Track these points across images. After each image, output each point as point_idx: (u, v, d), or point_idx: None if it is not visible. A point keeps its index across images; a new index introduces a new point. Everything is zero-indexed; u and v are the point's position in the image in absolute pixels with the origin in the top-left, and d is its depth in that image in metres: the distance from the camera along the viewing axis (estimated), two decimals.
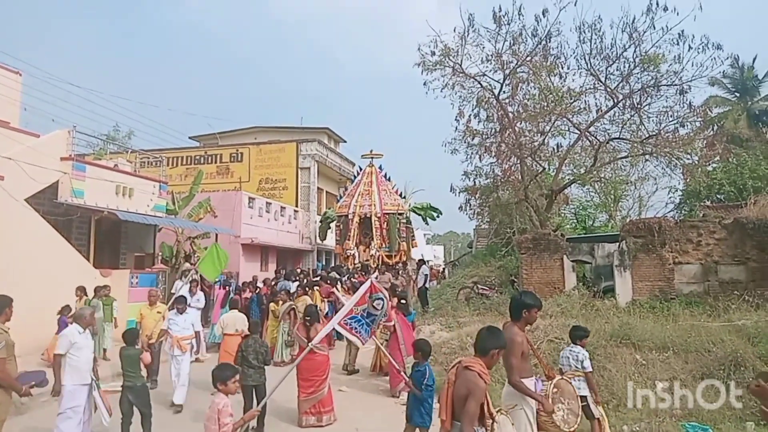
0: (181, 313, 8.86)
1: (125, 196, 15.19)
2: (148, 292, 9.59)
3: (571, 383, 5.27)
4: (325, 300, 13.14)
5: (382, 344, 10.12)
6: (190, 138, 33.07)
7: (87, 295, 11.03)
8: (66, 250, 12.68)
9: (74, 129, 14.59)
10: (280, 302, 11.61)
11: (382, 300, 6.21)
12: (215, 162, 28.59)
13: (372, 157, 19.00)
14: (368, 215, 17.33)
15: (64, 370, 6.00)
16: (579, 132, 17.03)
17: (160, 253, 17.66)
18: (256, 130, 31.69)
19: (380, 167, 18.93)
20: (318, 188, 29.01)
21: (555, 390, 4.95)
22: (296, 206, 27.13)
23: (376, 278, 14.24)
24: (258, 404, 7.18)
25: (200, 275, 11.56)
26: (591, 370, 6.07)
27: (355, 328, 5.97)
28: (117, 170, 15.74)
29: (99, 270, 13.30)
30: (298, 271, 18.89)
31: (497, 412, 3.90)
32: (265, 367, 7.32)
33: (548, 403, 4.72)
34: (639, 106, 15.91)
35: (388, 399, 8.88)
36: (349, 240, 17.71)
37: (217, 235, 18.60)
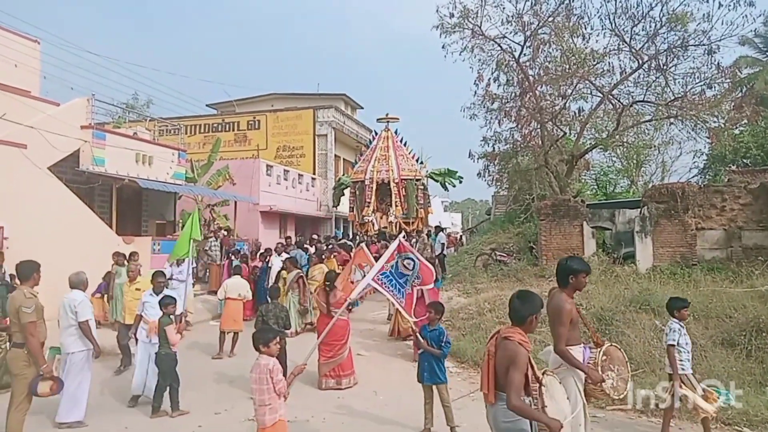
0: (158, 293, 7.25)
1: (145, 164, 15.31)
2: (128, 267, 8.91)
3: (620, 349, 5.02)
4: (341, 267, 12.97)
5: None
6: (207, 106, 33.10)
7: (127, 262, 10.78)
8: (89, 218, 12.88)
9: (93, 97, 14.66)
10: (289, 270, 11.21)
11: (413, 261, 6.08)
12: (233, 130, 28.60)
13: (388, 121, 18.57)
14: (386, 181, 17.13)
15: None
16: (602, 95, 16.62)
17: (181, 221, 17.89)
18: (273, 97, 31.52)
19: (396, 132, 18.56)
20: (335, 155, 28.93)
21: (604, 358, 4.73)
22: (314, 174, 27.15)
23: (384, 247, 14.20)
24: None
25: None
26: (673, 343, 5.76)
27: (386, 284, 5.89)
28: (136, 138, 15.83)
29: (122, 237, 13.52)
30: (315, 238, 18.94)
31: (543, 374, 3.82)
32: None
33: (596, 373, 4.53)
34: (665, 67, 15.43)
35: (407, 363, 8.99)
36: (367, 206, 17.61)
37: (236, 203, 18.78)
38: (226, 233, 16.84)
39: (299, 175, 25.13)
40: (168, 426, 6.35)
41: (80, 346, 6.21)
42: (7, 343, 7.31)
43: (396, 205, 16.73)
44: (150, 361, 6.88)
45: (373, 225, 17.08)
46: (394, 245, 5.95)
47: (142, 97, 34.95)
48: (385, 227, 17.07)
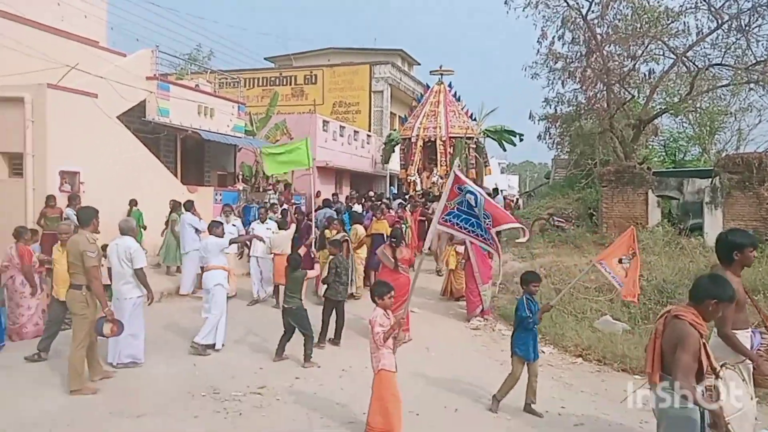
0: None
1: (207, 116, 15.68)
2: (57, 228, 7.67)
3: None
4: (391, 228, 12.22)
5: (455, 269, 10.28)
6: (265, 59, 33.27)
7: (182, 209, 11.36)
8: (157, 167, 13.39)
9: (157, 49, 14.99)
10: (334, 231, 10.25)
11: (475, 195, 4.76)
12: (290, 84, 28.74)
13: (441, 74, 17.88)
14: (433, 138, 16.66)
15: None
16: (675, 57, 15.62)
17: (241, 172, 18.35)
18: (330, 51, 31.34)
19: (450, 85, 17.86)
20: (391, 113, 28.71)
21: None
22: (369, 131, 27.08)
23: (429, 208, 13.80)
24: (338, 319, 7.61)
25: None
26: None
27: (459, 225, 4.79)
28: (198, 90, 16.17)
29: (186, 186, 14.02)
30: (357, 194, 18.35)
31: (722, 366, 3.57)
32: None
33: (765, 364, 4.02)
34: (747, 28, 14.29)
35: (459, 323, 9.06)
36: (412, 165, 17.30)
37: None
38: (284, 188, 17.13)
39: (355, 131, 25.12)
40: (234, 365, 6.66)
41: (137, 292, 6.42)
42: None
43: (441, 165, 16.39)
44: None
45: (416, 185, 16.87)
46: (450, 178, 5.03)
47: (204, 49, 35.35)
48: (430, 188, 16.77)
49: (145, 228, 11.19)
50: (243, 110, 17.85)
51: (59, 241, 6.82)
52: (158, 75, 14.72)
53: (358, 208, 14.35)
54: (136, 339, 6.51)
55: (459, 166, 5.10)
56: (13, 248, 7.33)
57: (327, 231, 10.29)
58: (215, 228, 7.71)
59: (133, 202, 11.48)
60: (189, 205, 11.00)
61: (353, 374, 6.59)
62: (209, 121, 15.72)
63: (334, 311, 7.62)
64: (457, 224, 4.79)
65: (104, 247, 7.39)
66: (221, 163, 18.29)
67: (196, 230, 10.29)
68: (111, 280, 6.78)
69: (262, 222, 10.30)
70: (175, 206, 11.54)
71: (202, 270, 8.25)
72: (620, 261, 5.61)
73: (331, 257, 7.88)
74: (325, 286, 8.75)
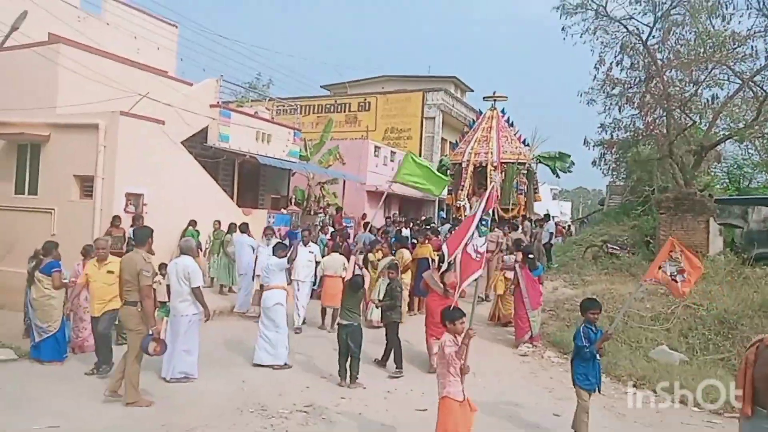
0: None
1: (264, 142, 16.26)
2: (95, 243, 7.32)
3: None
4: (438, 253, 11.60)
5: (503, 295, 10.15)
6: (321, 87, 34.28)
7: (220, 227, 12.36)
8: (215, 190, 13.98)
9: (221, 78, 15.79)
10: (380, 253, 10.42)
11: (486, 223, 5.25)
12: (344, 111, 29.44)
13: (495, 100, 17.78)
14: (484, 164, 16.52)
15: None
16: (741, 81, 15.01)
17: (294, 196, 18.88)
18: (384, 79, 31.96)
19: (503, 111, 17.72)
20: (442, 138, 28.86)
21: None
22: (420, 156, 27.28)
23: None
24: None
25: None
26: None
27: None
28: (257, 117, 16.84)
29: (242, 209, 14.54)
30: (404, 219, 18.29)
31: None
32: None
33: None
34: None
35: (507, 348, 8.94)
36: (461, 190, 17.16)
37: (345, 181, 19.42)
38: (336, 211, 17.46)
39: None
40: (283, 382, 6.82)
41: (193, 309, 6.64)
42: None
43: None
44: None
45: (465, 210, 16.70)
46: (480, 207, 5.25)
47: (264, 78, 36.92)
48: None
49: (200, 248, 11.56)
50: (298, 136, 18.43)
51: (96, 257, 6.89)
52: (221, 103, 15.46)
53: (405, 232, 14.28)
54: (190, 355, 6.72)
55: (494, 188, 5.27)
56: (80, 265, 7.68)
57: (371, 255, 10.36)
58: (280, 250, 7.98)
59: (192, 223, 12.01)
60: (244, 228, 11.44)
61: (398, 396, 6.62)
62: (266, 146, 16.30)
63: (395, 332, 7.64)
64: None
65: (163, 266, 7.78)
66: (275, 186, 18.88)
67: (252, 250, 10.67)
68: (169, 297, 7.08)
69: (305, 245, 10.11)
70: (230, 228, 12.02)
71: (261, 288, 8.43)
72: (660, 268, 5.39)
73: (389, 281, 7.97)
74: (378, 309, 8.91)
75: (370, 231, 12.14)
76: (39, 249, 7.61)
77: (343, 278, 9.38)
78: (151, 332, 5.83)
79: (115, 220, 10.63)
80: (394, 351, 7.54)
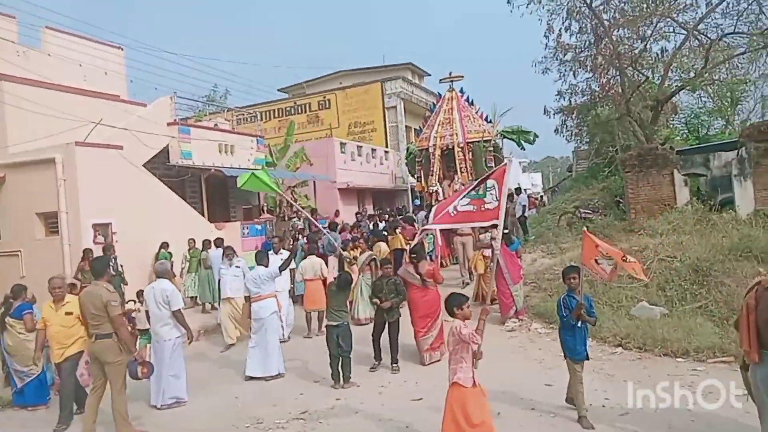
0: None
1: (227, 154, 16.09)
2: (49, 282, 6.28)
3: None
4: (410, 243, 11.26)
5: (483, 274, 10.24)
6: (278, 90, 33.96)
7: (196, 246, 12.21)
8: (184, 208, 13.79)
9: (175, 95, 15.55)
10: (359, 250, 10.53)
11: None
12: (305, 111, 29.23)
13: (452, 81, 17.77)
14: (450, 146, 16.58)
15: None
16: (686, 32, 15.36)
17: (265, 204, 18.72)
18: (340, 74, 31.80)
19: (461, 91, 17.78)
20: (406, 126, 28.87)
21: None
22: (386, 147, 27.29)
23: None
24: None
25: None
26: None
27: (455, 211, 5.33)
28: (217, 129, 16.65)
29: (214, 224, 14.38)
30: (370, 213, 18.17)
31: None
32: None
33: None
34: None
35: (493, 326, 8.98)
36: (432, 175, 17.19)
37: (315, 182, 19.33)
38: (311, 214, 17.38)
39: (372, 149, 25.36)
40: (276, 393, 6.79)
41: (176, 333, 6.54)
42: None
43: (462, 172, 16.27)
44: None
45: (438, 195, 16.69)
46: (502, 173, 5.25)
47: (220, 89, 36.43)
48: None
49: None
50: (262, 143, 18.26)
51: (53, 299, 6.20)
52: (178, 120, 15.22)
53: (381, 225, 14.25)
54: (178, 379, 6.63)
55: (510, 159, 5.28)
56: (34, 306, 7.29)
57: (346, 252, 10.16)
58: (263, 258, 7.96)
59: (164, 245, 11.84)
60: (219, 242, 11.32)
61: (392, 390, 6.65)
62: (230, 157, 16.13)
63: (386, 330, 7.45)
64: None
65: (140, 293, 7.67)
66: (245, 197, 18.70)
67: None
68: (149, 323, 6.99)
69: (276, 253, 9.69)
70: (204, 244, 11.90)
71: (246, 300, 8.30)
72: (597, 262, 5.35)
73: (388, 278, 7.55)
74: (365, 306, 8.90)
75: (340, 230, 12.11)
76: (8, 293, 7.41)
77: (324, 280, 9.50)
78: (135, 357, 5.72)
79: (86, 253, 10.40)
80: (392, 347, 7.41)
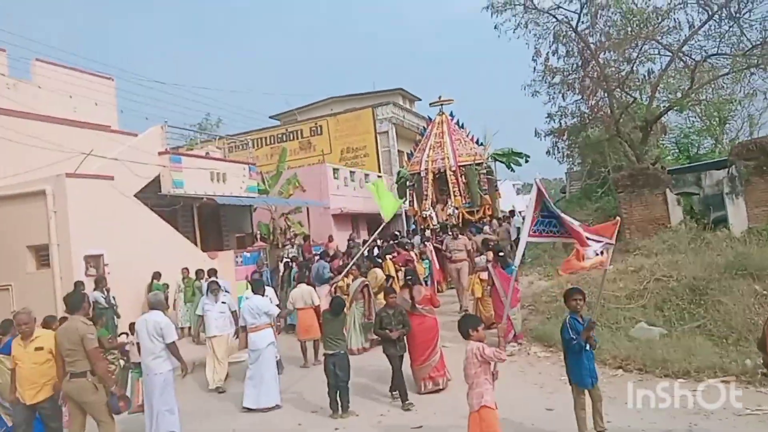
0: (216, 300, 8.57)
1: (220, 182, 16.04)
2: (14, 318, 5.97)
3: None
4: (402, 268, 10.88)
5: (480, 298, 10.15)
6: (270, 117, 34.16)
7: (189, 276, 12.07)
8: (176, 238, 13.68)
9: (166, 124, 15.55)
10: (351, 277, 10.10)
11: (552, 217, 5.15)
12: (297, 138, 29.35)
13: (441, 104, 17.95)
14: (442, 169, 16.63)
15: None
16: (671, 54, 15.70)
17: (258, 232, 18.61)
18: (331, 101, 32.07)
19: (451, 114, 17.93)
20: (399, 151, 29.02)
21: None
22: (379, 172, 27.37)
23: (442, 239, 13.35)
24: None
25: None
26: None
27: (545, 231, 5.11)
28: (209, 158, 16.62)
29: (206, 253, 14.25)
30: (359, 241, 17.64)
31: None
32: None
33: None
34: (738, 14, 14.36)
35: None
36: (425, 200, 17.16)
37: (308, 209, 19.29)
38: (303, 240, 17.28)
39: (365, 174, 25.41)
40: (275, 424, 6.67)
41: (167, 366, 6.30)
42: (120, 361, 7.92)
43: (455, 195, 16.26)
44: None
45: (432, 219, 16.62)
46: (534, 190, 5.12)
47: (212, 117, 36.56)
48: (446, 220, 16.43)
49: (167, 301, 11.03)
50: (254, 170, 18.23)
51: (20, 335, 5.64)
52: (169, 149, 15.19)
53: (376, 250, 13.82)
54: (172, 414, 6.39)
55: (539, 177, 5.04)
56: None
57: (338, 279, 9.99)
58: (259, 288, 7.87)
59: (156, 276, 11.71)
60: (213, 273, 11.22)
61: (391, 419, 6.53)
62: (222, 185, 16.07)
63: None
64: (546, 231, 5.08)
65: (132, 325, 7.52)
66: (238, 225, 18.60)
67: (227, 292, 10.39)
68: (140, 355, 6.82)
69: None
70: (198, 274, 11.79)
71: (239, 331, 8.17)
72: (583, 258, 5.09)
73: (393, 308, 7.13)
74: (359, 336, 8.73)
75: (332, 257, 11.93)
76: None
77: (316, 308, 9.29)
78: (113, 392, 5.50)
79: (77, 286, 10.24)
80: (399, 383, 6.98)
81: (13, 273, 10.98)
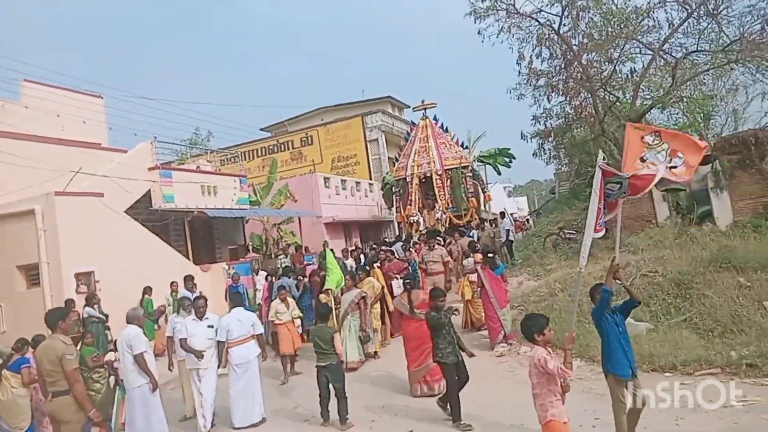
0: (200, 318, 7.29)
1: (211, 195, 16.09)
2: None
3: None
4: (397, 277, 10.59)
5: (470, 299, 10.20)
6: (261, 130, 34.29)
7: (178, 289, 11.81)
8: (167, 252, 13.72)
9: (155, 140, 15.61)
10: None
11: (621, 183, 4.89)
12: (288, 149, 29.49)
13: (425, 109, 18.01)
14: (428, 174, 16.62)
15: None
16: (652, 52, 15.87)
17: (251, 243, 18.66)
18: (321, 111, 32.26)
19: (435, 118, 17.96)
20: (389, 158, 29.19)
21: None
22: (370, 179, 27.50)
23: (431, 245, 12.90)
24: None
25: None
26: None
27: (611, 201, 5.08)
28: (200, 171, 16.69)
29: (199, 266, 14.28)
30: (353, 248, 17.43)
31: None
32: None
33: None
34: (716, 12, 14.55)
35: (483, 352, 8.95)
36: (410, 205, 17.10)
37: (300, 218, 19.35)
38: (296, 250, 17.33)
39: (356, 182, 25.54)
40: None
41: (141, 380, 6.16)
42: (111, 379, 7.87)
43: (441, 199, 16.23)
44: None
45: (419, 224, 16.53)
46: (597, 177, 4.88)
47: (202, 131, 36.67)
48: (434, 225, 16.36)
49: (153, 316, 10.81)
50: (245, 182, 18.31)
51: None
52: (159, 164, 15.24)
53: (351, 261, 13.20)
54: (153, 429, 6.24)
55: (604, 159, 4.68)
56: (32, 359, 6.96)
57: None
58: (240, 299, 7.76)
59: (147, 291, 11.68)
60: (188, 279, 11.10)
61: (382, 425, 6.55)
62: (213, 198, 16.13)
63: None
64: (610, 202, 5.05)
65: (115, 342, 7.45)
66: (231, 237, 18.64)
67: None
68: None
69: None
70: (171, 285, 11.80)
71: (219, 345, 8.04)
72: (644, 161, 4.84)
73: (440, 311, 6.66)
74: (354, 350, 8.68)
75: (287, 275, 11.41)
76: (13, 346, 7.17)
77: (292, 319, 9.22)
78: (90, 416, 5.34)
79: (68, 304, 10.21)
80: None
81: (4, 292, 11.00)
